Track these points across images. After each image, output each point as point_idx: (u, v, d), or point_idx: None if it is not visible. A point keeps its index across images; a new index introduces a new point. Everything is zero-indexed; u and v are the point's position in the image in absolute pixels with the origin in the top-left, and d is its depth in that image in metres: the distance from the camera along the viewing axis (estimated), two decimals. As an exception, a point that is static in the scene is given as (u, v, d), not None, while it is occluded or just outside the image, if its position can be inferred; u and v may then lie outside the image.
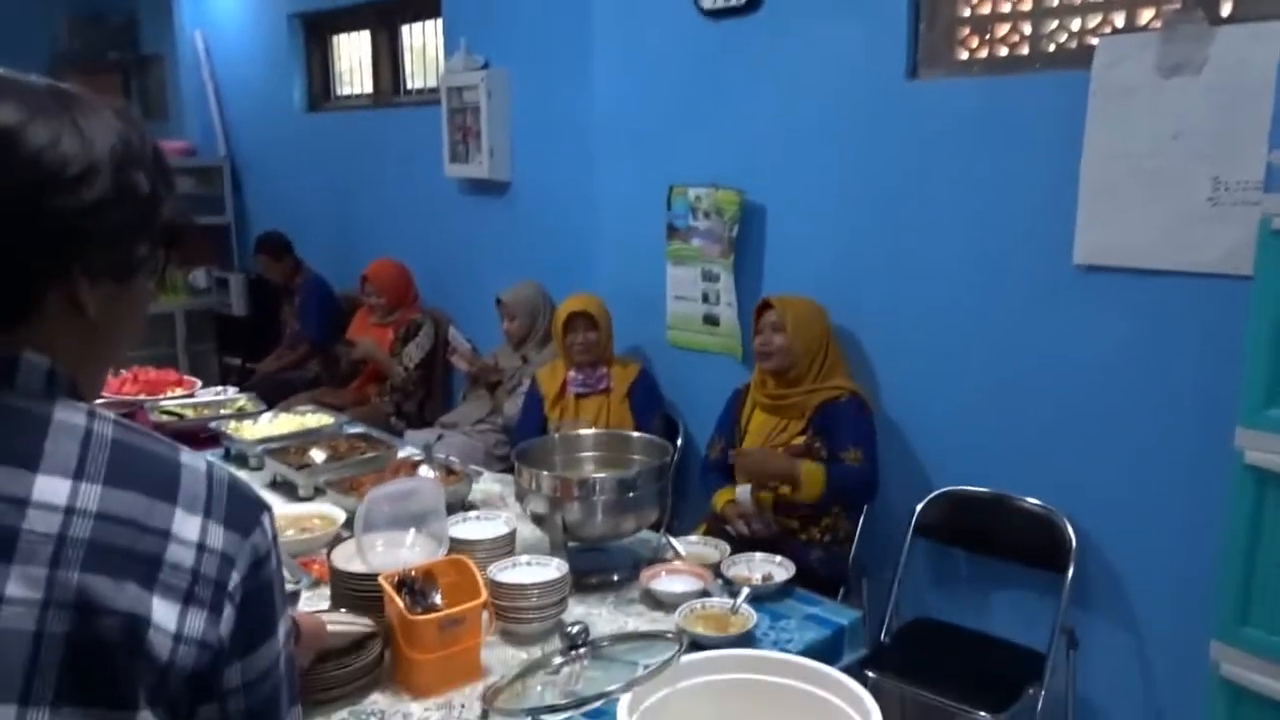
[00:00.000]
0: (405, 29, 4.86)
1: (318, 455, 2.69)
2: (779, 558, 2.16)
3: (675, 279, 3.39)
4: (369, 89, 5.14)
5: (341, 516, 2.27)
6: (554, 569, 1.93)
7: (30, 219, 0.72)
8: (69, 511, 0.69)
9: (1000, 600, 2.74)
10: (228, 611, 0.74)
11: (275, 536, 0.81)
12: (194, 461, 0.78)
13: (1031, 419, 2.58)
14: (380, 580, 1.74)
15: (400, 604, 1.69)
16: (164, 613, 0.70)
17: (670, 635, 1.74)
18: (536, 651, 1.80)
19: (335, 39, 5.33)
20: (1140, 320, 2.36)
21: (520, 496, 2.14)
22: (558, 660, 1.72)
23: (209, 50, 5.97)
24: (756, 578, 2.10)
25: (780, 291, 2.99)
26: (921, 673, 2.49)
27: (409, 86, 4.92)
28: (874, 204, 2.84)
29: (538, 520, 2.11)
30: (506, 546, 2.08)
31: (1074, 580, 2.47)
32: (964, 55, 2.76)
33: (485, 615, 1.81)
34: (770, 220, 3.13)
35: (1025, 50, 2.65)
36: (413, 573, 1.75)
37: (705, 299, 3.31)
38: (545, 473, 2.09)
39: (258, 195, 5.94)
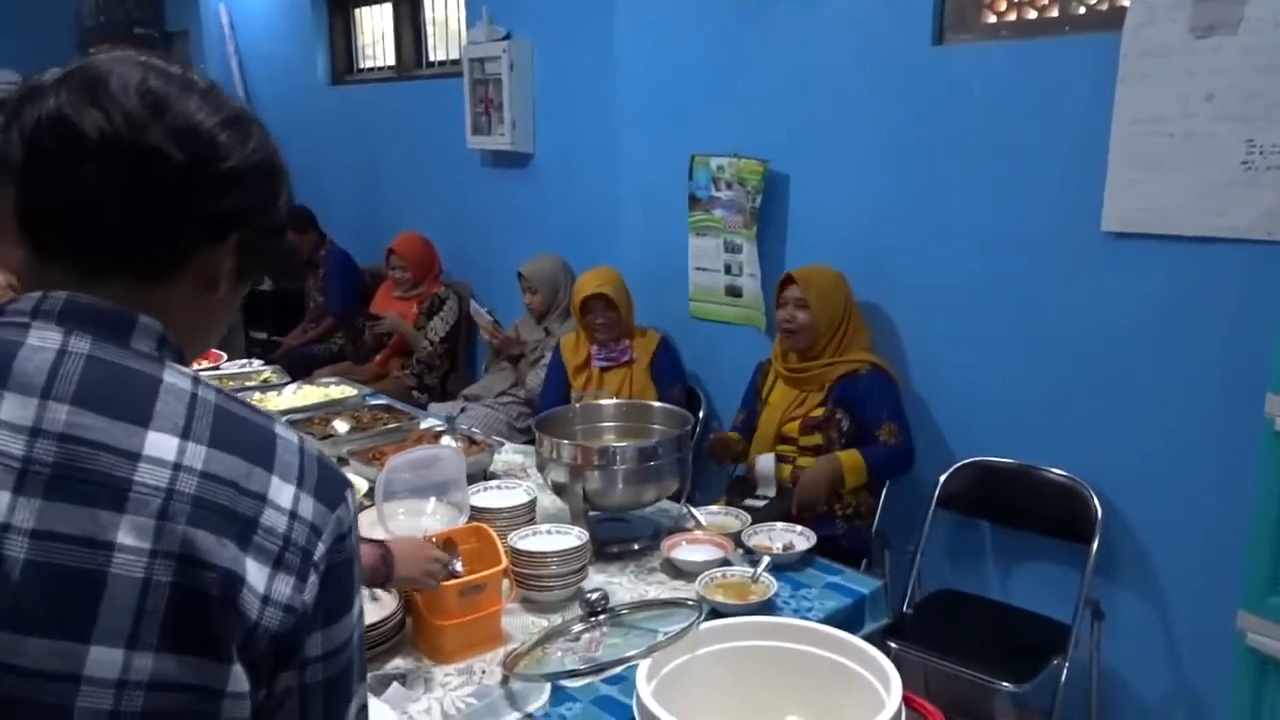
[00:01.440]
0: (428, 1, 4.84)
1: (341, 426, 2.71)
2: (800, 527, 2.15)
3: (697, 250, 3.37)
4: (392, 61, 5.12)
5: (364, 486, 2.29)
6: (574, 537, 1.94)
7: (209, 183, 0.79)
8: (176, 467, 0.72)
9: (1024, 572, 2.72)
10: (312, 580, 0.76)
11: (357, 512, 0.83)
12: (287, 434, 0.81)
13: (1058, 389, 2.55)
14: (402, 547, 1.75)
15: (420, 569, 1.70)
16: (256, 573, 0.72)
17: (690, 603, 1.75)
18: (556, 619, 1.81)
19: (358, 12, 5.32)
20: (1169, 287, 2.32)
21: (541, 466, 2.15)
22: (578, 627, 1.74)
23: (233, 25, 5.98)
24: (777, 547, 2.10)
25: (803, 262, 2.97)
26: (944, 643, 2.47)
27: (431, 59, 4.90)
28: (899, 172, 2.80)
29: (558, 489, 2.12)
30: (527, 515, 2.09)
31: (1099, 551, 2.44)
32: (992, 19, 2.70)
33: (506, 582, 1.82)
34: (794, 190, 3.10)
35: (1055, 13, 2.59)
36: (434, 539, 1.76)
37: (728, 270, 3.29)
38: (566, 442, 2.09)
39: (283, 170, 5.94)
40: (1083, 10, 2.54)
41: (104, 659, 0.68)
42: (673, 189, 3.38)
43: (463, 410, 3.78)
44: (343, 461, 2.52)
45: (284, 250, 0.88)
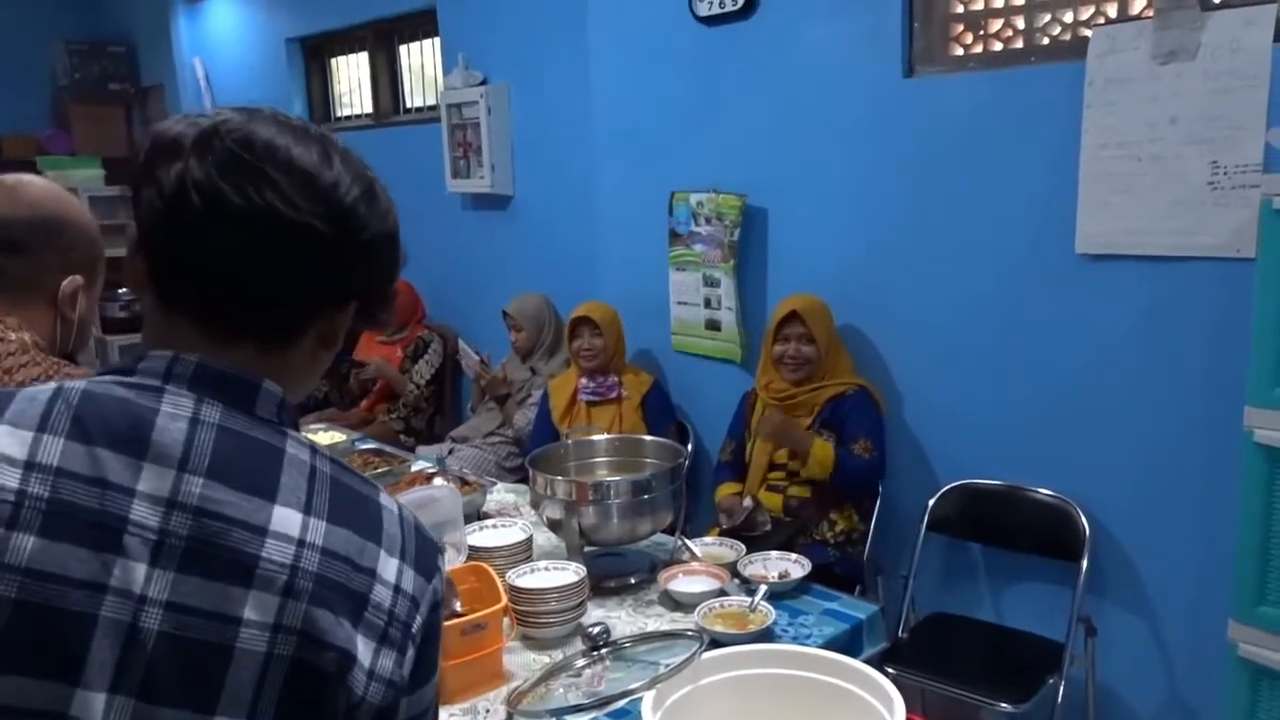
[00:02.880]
0: (404, 49, 4.90)
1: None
2: (795, 555, 2.17)
3: (677, 285, 3.41)
4: (369, 109, 5.17)
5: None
6: (572, 573, 1.95)
7: (349, 254, 0.80)
8: (300, 544, 0.73)
9: (1016, 592, 2.75)
10: (410, 653, 0.78)
11: (447, 579, 0.88)
12: (389, 503, 0.82)
13: (1041, 410, 2.59)
14: (401, 589, 1.76)
15: (422, 611, 1.71)
16: (365, 650, 0.74)
17: (691, 633, 1.76)
18: (558, 655, 1.82)
19: (334, 61, 5.37)
20: (1145, 306, 2.37)
21: (535, 503, 2.16)
22: (580, 662, 1.74)
23: (209, 77, 6.02)
24: (773, 575, 2.12)
25: (783, 295, 3.01)
26: (941, 667, 2.49)
27: (409, 105, 4.96)
28: (875, 203, 2.86)
29: (554, 526, 2.13)
30: (524, 552, 2.10)
31: (1089, 569, 2.47)
32: (959, 51, 2.77)
33: (506, 620, 1.83)
34: (772, 223, 3.15)
35: (1020, 44, 2.67)
36: (434, 580, 1.77)
37: (707, 304, 3.33)
38: (560, 478, 2.11)
39: (261, 219, 5.96)
40: (1046, 41, 2.62)
41: None
42: (653, 225, 3.42)
43: (451, 452, 3.79)
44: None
45: (391, 307, 0.90)
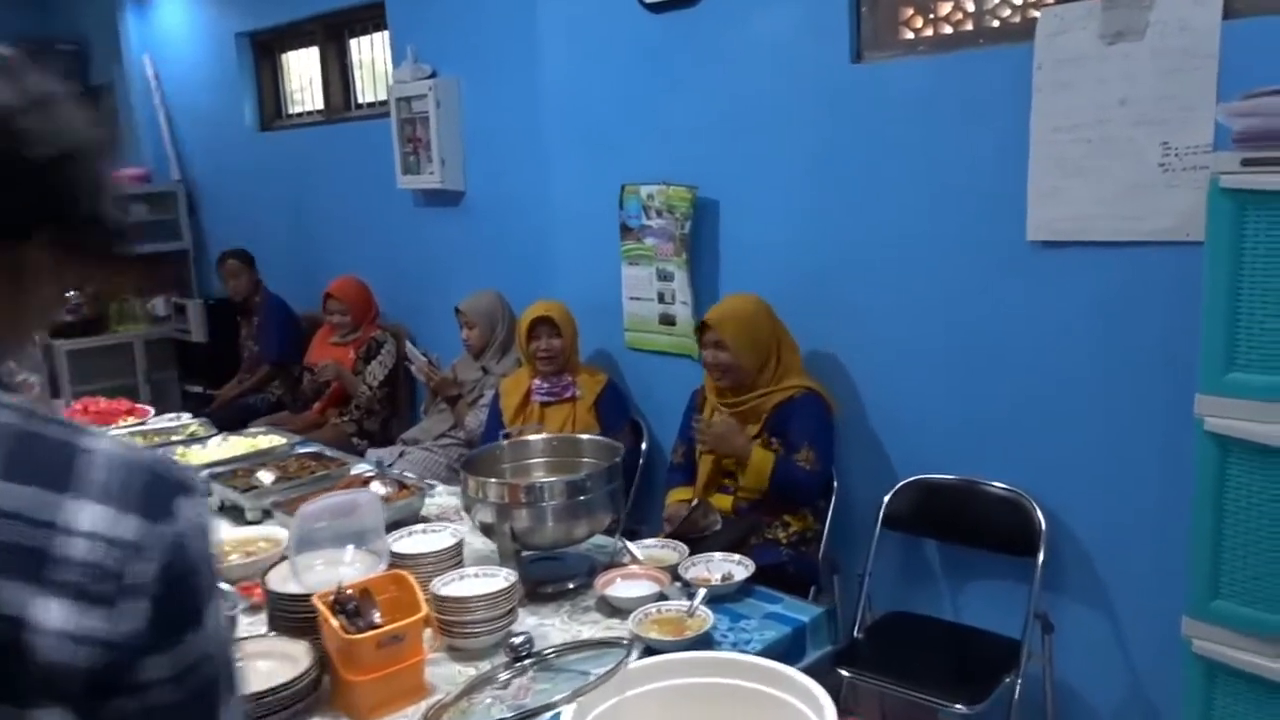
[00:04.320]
0: (354, 43, 4.79)
1: (266, 477, 2.61)
2: (738, 556, 2.09)
3: (630, 280, 3.33)
4: (320, 105, 5.06)
5: (309, 533, 2.19)
6: (501, 579, 1.86)
7: (6, 176, 0.71)
8: None
9: (973, 589, 2.68)
10: (135, 604, 0.68)
11: (202, 514, 0.74)
12: (99, 445, 0.71)
13: (995, 401, 2.53)
14: (314, 600, 1.66)
15: (334, 623, 1.61)
16: (47, 610, 0.65)
17: (622, 641, 1.68)
18: (485, 666, 1.73)
19: (284, 57, 5.26)
20: (1097, 294, 2.31)
21: (468, 507, 2.07)
22: (504, 674, 1.66)
23: (158, 74, 5.88)
24: (716, 578, 2.04)
25: (736, 288, 2.94)
26: (896, 668, 2.42)
27: (360, 101, 4.85)
28: (825, 192, 2.79)
29: (486, 530, 2.04)
30: (453, 559, 2.00)
31: (1045, 564, 2.41)
32: (909, 35, 2.71)
33: (428, 631, 1.74)
34: (724, 215, 3.07)
35: (970, 26, 2.60)
36: (349, 590, 1.68)
37: (661, 299, 3.25)
38: (491, 480, 2.02)
39: (214, 219, 5.85)
40: (996, 24, 2.55)
41: None
42: (605, 219, 3.34)
43: (401, 454, 3.69)
44: (268, 514, 2.43)
45: (109, 237, 0.80)
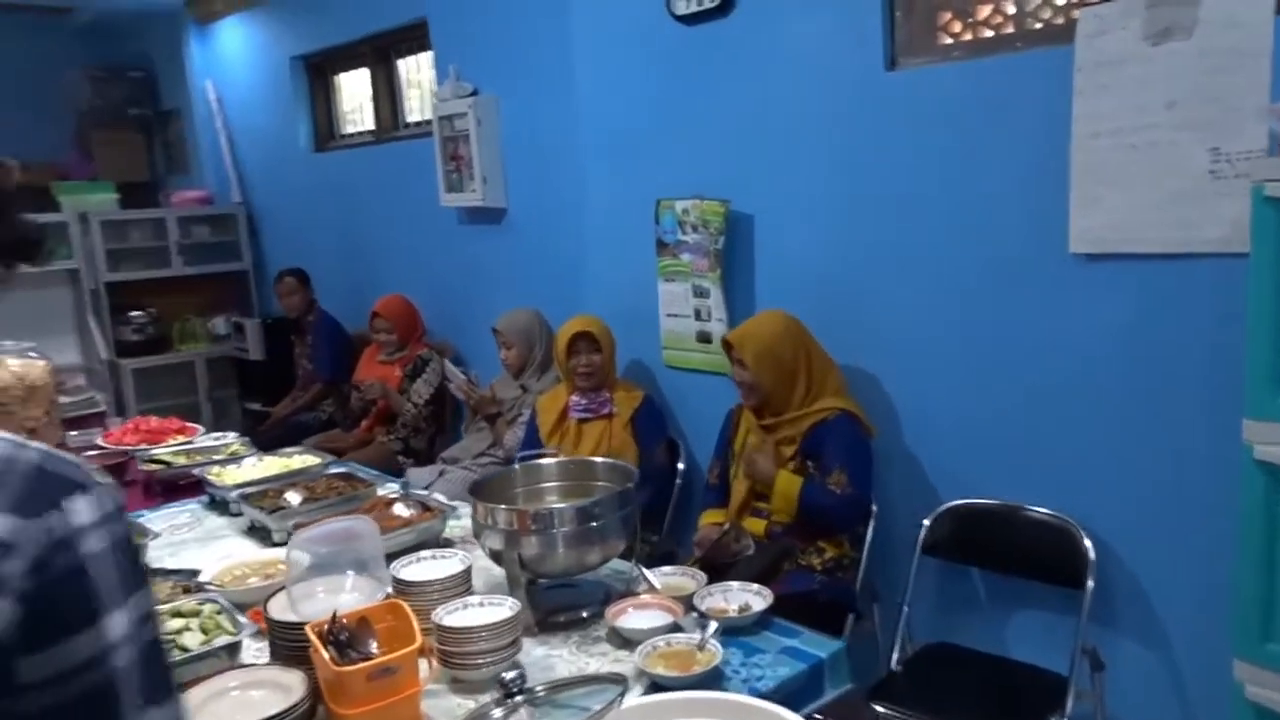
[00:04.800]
0: (401, 63, 4.83)
1: (294, 498, 2.60)
2: (756, 586, 2.00)
3: (667, 296, 3.27)
4: (372, 126, 5.11)
5: (306, 560, 2.17)
6: (506, 609, 1.80)
7: None
8: None
9: (1019, 620, 2.55)
10: (11, 603, 0.65)
11: (103, 515, 0.71)
12: None
13: (1038, 423, 2.40)
14: (307, 630, 1.63)
15: (325, 654, 1.58)
16: None
17: (617, 678, 1.61)
18: (486, 699, 1.68)
19: (337, 79, 5.33)
20: (1144, 308, 2.17)
21: (477, 533, 2.02)
22: (496, 712, 1.60)
23: (220, 99, 6.02)
24: (732, 609, 1.95)
25: (771, 304, 2.86)
26: (934, 703, 2.30)
27: (408, 120, 4.88)
28: (860, 204, 2.69)
29: (495, 557, 1.99)
30: (461, 586, 1.95)
31: (1094, 595, 2.27)
32: (947, 40, 2.60)
33: (427, 662, 1.69)
34: (758, 229, 2.99)
35: (1010, 29, 2.48)
36: (343, 620, 1.64)
37: (697, 315, 3.18)
38: (500, 506, 1.96)
39: (272, 239, 5.95)
40: (1039, 26, 2.43)
41: None
42: (641, 235, 3.29)
43: (441, 473, 3.68)
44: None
45: (16, 234, 0.79)
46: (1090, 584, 2.27)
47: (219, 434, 3.59)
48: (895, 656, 2.51)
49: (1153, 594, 2.27)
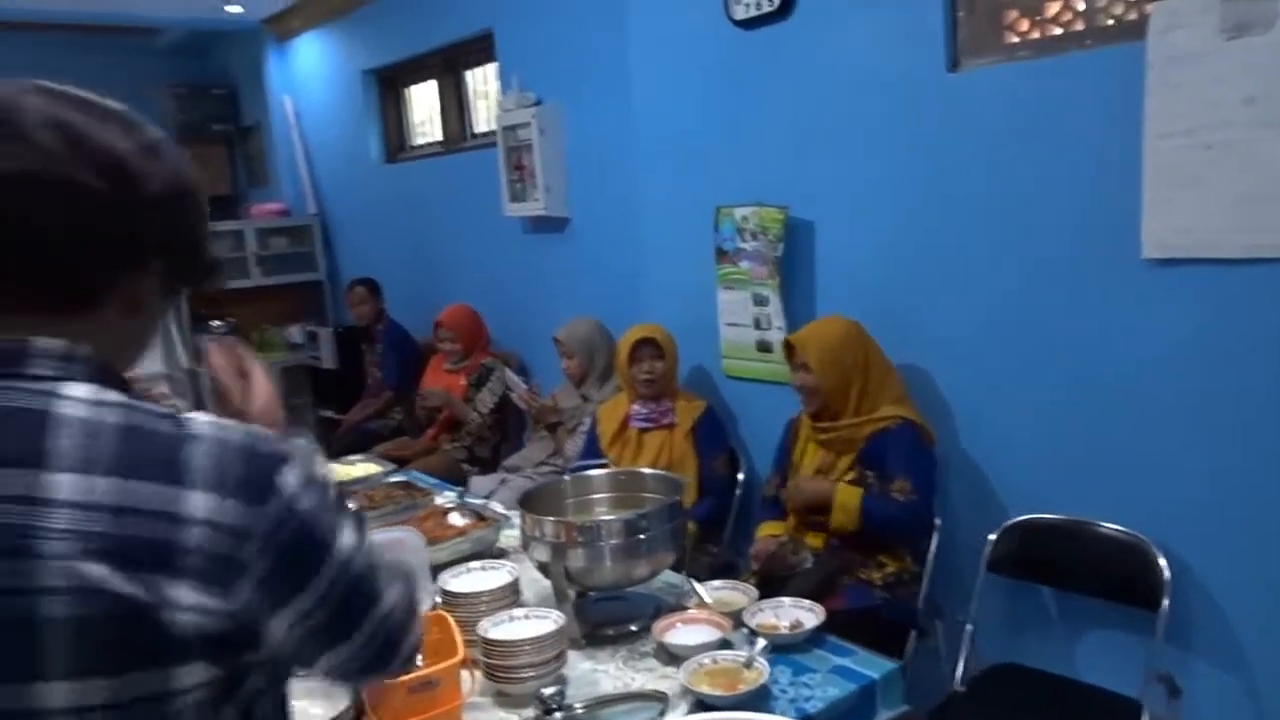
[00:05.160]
0: (469, 74, 4.89)
1: (351, 506, 2.63)
2: (809, 603, 1.95)
3: (727, 305, 3.23)
4: (440, 137, 5.18)
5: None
6: (551, 622, 1.79)
7: (130, 212, 0.80)
8: (81, 506, 0.72)
9: (1089, 641, 2.44)
10: (246, 582, 0.77)
11: (306, 476, 0.81)
12: (202, 431, 0.78)
13: (1108, 434, 2.30)
14: (350, 641, 1.64)
15: (367, 668, 1.58)
16: (179, 592, 0.73)
17: (658, 695, 1.58)
18: (530, 713, 1.66)
19: (407, 91, 5.42)
20: (1219, 316, 2.06)
21: (525, 545, 2.02)
22: (536, 728, 1.58)
23: (297, 113, 6.17)
24: (783, 626, 1.91)
25: (831, 311, 2.80)
26: (999, 726, 2.22)
27: (476, 130, 4.93)
28: (922, 209, 2.62)
29: (543, 569, 1.98)
30: (508, 598, 1.95)
31: (1169, 617, 2.16)
32: (1012, 39, 2.51)
33: (469, 675, 1.68)
34: (818, 236, 2.93)
35: (1080, 26, 2.39)
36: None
37: (757, 324, 3.13)
38: (548, 518, 1.95)
39: (345, 249, 6.07)
40: (1110, 22, 2.34)
41: (55, 692, 0.71)
42: (700, 243, 3.25)
43: (503, 482, 3.69)
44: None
45: (206, 265, 0.90)
46: (1165, 604, 2.17)
47: (288, 442, 3.65)
48: (959, 676, 2.43)
49: (1232, 616, 2.15)
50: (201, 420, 0.79)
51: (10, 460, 0.72)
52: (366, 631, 0.88)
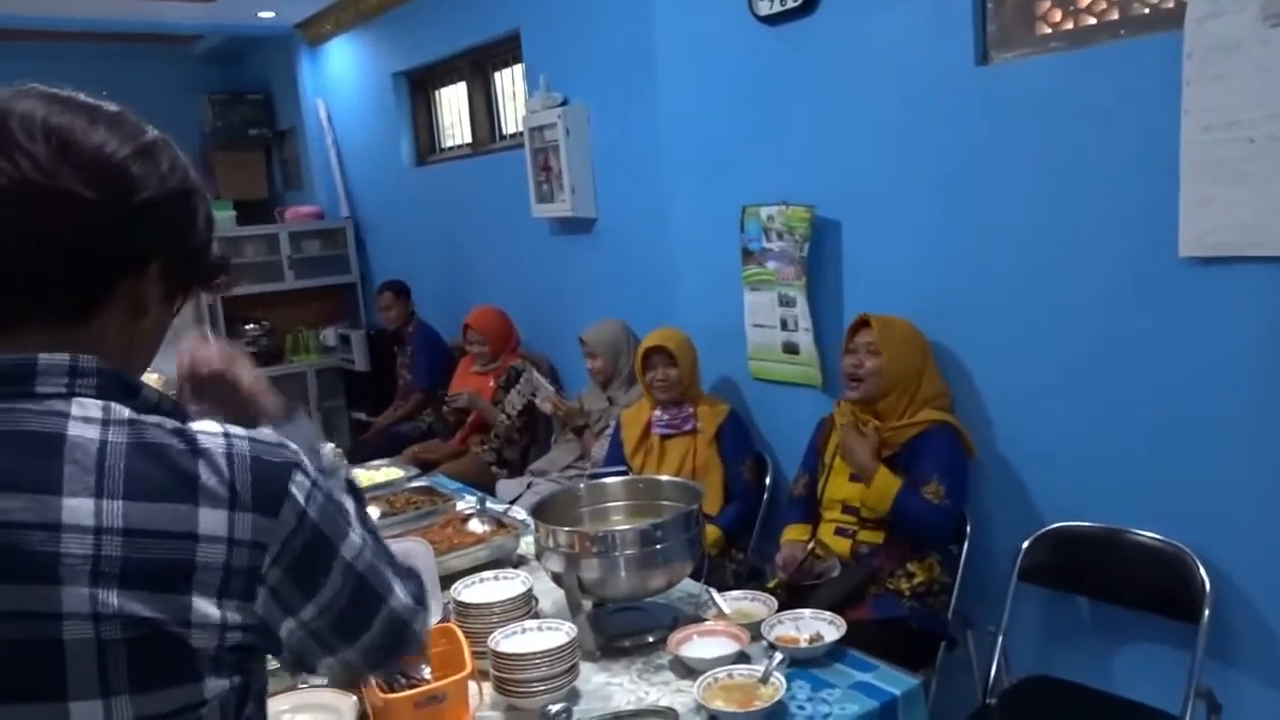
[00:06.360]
0: (497, 76, 4.87)
1: (373, 512, 2.62)
2: (830, 615, 1.89)
3: (753, 306, 3.17)
4: (469, 139, 5.17)
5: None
6: (563, 634, 1.75)
7: (124, 218, 0.79)
8: (98, 531, 0.72)
9: (1126, 654, 2.35)
10: (264, 591, 0.79)
11: (314, 479, 0.83)
12: (212, 444, 0.79)
13: (1145, 440, 2.21)
14: (356, 654, 1.61)
15: (372, 680, 1.55)
16: (201, 609, 0.75)
17: (664, 711, 1.54)
18: (539, 729, 1.63)
19: (438, 94, 5.42)
20: (1265, 316, 1.97)
21: (539, 554, 1.98)
22: (543, 744, 1.55)
23: (330, 117, 6.20)
24: (803, 638, 1.85)
25: (860, 311, 2.73)
26: (1031, 741, 2.14)
27: (504, 132, 4.92)
28: (952, 208, 2.54)
29: (557, 580, 1.94)
30: (522, 609, 1.91)
31: (1210, 630, 2.07)
32: (1044, 30, 2.43)
33: (478, 688, 1.65)
34: (845, 235, 2.87)
35: (1115, 15, 2.30)
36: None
37: (784, 325, 3.07)
38: (561, 528, 1.91)
39: (377, 252, 6.09)
40: (1146, 11, 2.25)
41: (86, 711, 0.72)
42: (726, 243, 3.20)
43: (529, 486, 3.67)
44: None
45: (211, 265, 0.89)
46: (1205, 617, 2.08)
47: (316, 446, 3.65)
48: (990, 688, 2.35)
49: (1277, 629, 2.06)
50: (208, 431, 0.80)
51: (24, 485, 0.72)
52: (375, 630, 0.89)
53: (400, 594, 0.91)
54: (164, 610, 0.73)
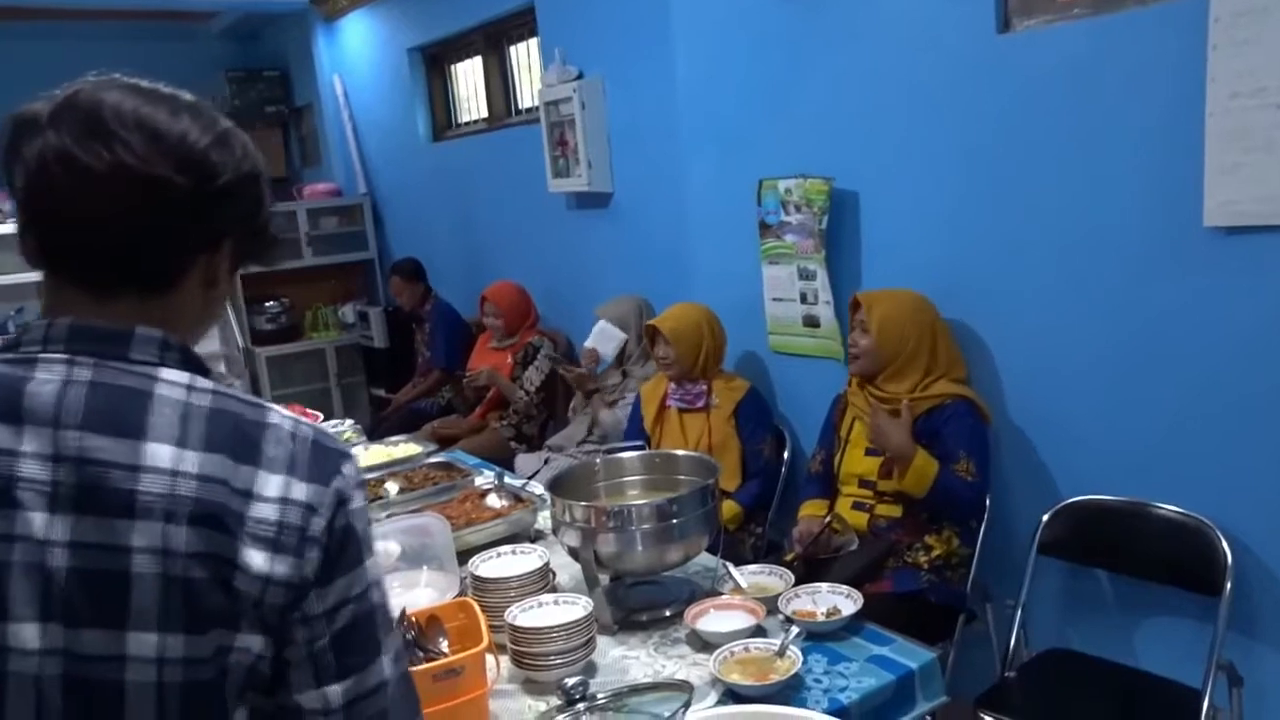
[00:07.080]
0: (512, 50, 4.84)
1: (392, 487, 2.63)
2: (846, 589, 1.89)
3: (772, 279, 3.15)
4: (485, 114, 5.15)
5: (397, 550, 2.18)
6: (580, 608, 1.76)
7: (207, 200, 0.86)
8: (174, 474, 0.80)
9: (1147, 628, 2.34)
10: (313, 553, 0.84)
11: (360, 479, 0.90)
12: (280, 422, 0.87)
13: (1168, 412, 2.19)
14: (375, 628, 1.62)
15: (390, 654, 1.56)
16: (255, 559, 0.81)
17: (683, 685, 1.54)
18: (555, 703, 1.63)
19: (453, 68, 5.39)
20: (1289, 287, 1.94)
21: (555, 529, 1.99)
22: (560, 718, 1.55)
23: (346, 93, 6.19)
24: (820, 612, 1.85)
25: (879, 285, 2.72)
26: (1051, 713, 2.15)
27: (520, 107, 4.89)
28: (972, 179, 2.51)
29: (574, 554, 1.94)
30: (539, 583, 1.92)
31: (1232, 603, 2.06)
32: (1066, -2, 2.39)
33: (495, 661, 1.66)
34: (864, 207, 2.84)
35: (1139, -18, 2.26)
36: (412, 618, 1.63)
37: (803, 299, 3.05)
38: (578, 502, 1.92)
39: (394, 228, 6.09)
40: (1171, -25, 2.20)
41: (142, 641, 0.79)
42: (744, 216, 3.18)
43: (546, 462, 3.67)
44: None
45: (271, 239, 0.98)
46: (1227, 590, 2.06)
47: (336, 421, 3.68)
48: (1009, 661, 2.35)
49: (1302, 605, 2.04)
50: (279, 410, 0.89)
51: (113, 429, 0.80)
52: (367, 677, 0.87)
53: (393, 672, 0.89)
54: (220, 550, 0.80)
